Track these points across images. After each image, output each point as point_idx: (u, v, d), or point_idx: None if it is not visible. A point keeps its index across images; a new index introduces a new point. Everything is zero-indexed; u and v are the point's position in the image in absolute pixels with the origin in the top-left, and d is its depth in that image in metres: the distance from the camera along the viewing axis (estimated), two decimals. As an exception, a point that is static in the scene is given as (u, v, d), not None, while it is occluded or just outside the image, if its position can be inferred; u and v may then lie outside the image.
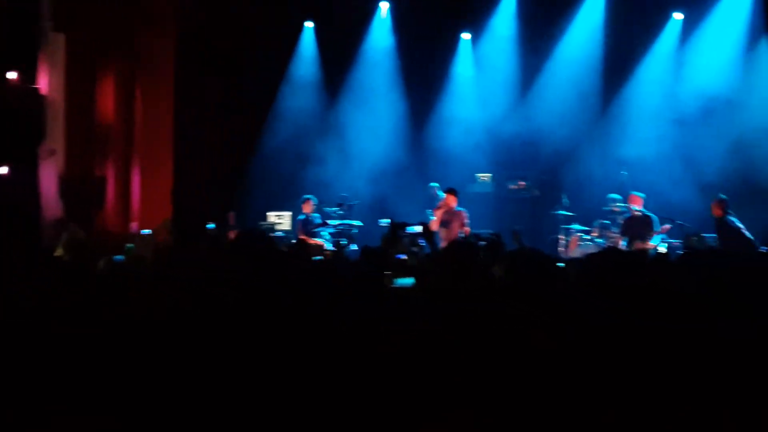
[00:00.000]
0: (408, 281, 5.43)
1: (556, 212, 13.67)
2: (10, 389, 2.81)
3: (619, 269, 3.94)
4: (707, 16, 14.36)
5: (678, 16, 14.62)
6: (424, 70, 15.87)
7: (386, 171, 15.43)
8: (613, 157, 14.33)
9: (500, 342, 2.78)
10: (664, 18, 14.72)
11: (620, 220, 12.77)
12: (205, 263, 4.54)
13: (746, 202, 12.03)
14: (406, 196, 14.66)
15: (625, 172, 13.73)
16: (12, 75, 12.20)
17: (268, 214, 14.58)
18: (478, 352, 2.73)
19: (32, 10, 12.37)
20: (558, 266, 4.39)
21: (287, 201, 14.59)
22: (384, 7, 16.07)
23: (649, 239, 12.13)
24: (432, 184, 13.98)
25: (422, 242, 9.68)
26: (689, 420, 2.50)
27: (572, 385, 2.61)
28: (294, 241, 11.32)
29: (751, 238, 11.29)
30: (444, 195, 13.02)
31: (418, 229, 10.44)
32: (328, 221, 13.97)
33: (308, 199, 13.84)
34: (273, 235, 12.92)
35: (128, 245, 8.75)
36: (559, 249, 13.23)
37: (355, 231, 14.11)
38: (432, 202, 13.39)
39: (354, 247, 13.08)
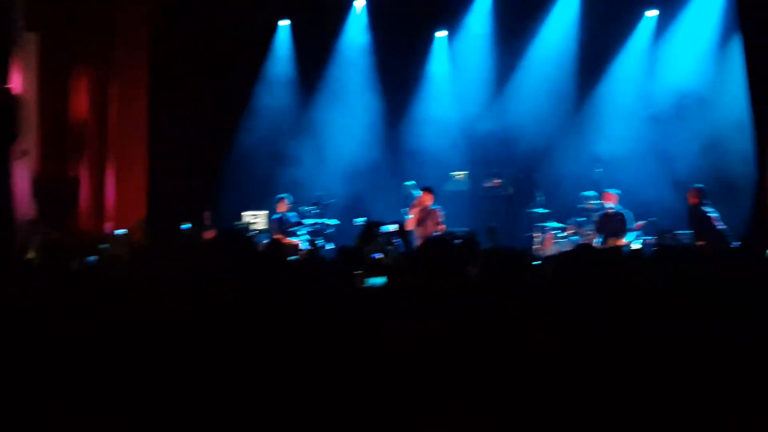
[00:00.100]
0: (380, 280, 5.40)
1: (531, 210, 13.70)
2: (10, 389, 2.80)
3: (593, 266, 3.97)
4: (680, 14, 14.45)
5: (651, 13, 14.71)
6: (399, 68, 15.80)
7: (361, 169, 15.41)
8: (587, 154, 14.40)
9: (500, 342, 2.80)
10: (637, 16, 14.78)
11: (595, 217, 12.84)
12: (182, 263, 4.52)
13: (719, 198, 12.15)
14: (381, 194, 14.64)
15: (600, 169, 13.78)
16: (-16, 75, 12.08)
17: (243, 213, 14.52)
18: (478, 352, 2.75)
19: (4, 10, 12.23)
20: (533, 264, 4.41)
21: (263, 200, 14.53)
22: (359, 4, 16.04)
23: (624, 236, 12.22)
24: (407, 182, 13.98)
25: (397, 241, 9.71)
26: (689, 420, 2.53)
27: (572, 385, 2.62)
28: (267, 240, 11.27)
29: (725, 228, 11.41)
30: (419, 193, 13.00)
31: (394, 227, 10.48)
32: (304, 220, 13.92)
33: (283, 198, 13.78)
34: (251, 234, 12.87)
35: (103, 245, 8.70)
36: (534, 246, 13.25)
37: (331, 230, 14.07)
38: (407, 201, 13.38)
39: (330, 246, 13.06)
